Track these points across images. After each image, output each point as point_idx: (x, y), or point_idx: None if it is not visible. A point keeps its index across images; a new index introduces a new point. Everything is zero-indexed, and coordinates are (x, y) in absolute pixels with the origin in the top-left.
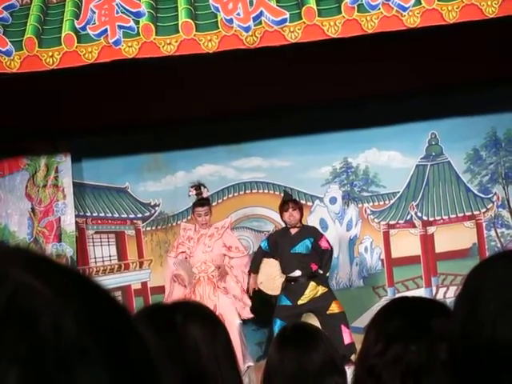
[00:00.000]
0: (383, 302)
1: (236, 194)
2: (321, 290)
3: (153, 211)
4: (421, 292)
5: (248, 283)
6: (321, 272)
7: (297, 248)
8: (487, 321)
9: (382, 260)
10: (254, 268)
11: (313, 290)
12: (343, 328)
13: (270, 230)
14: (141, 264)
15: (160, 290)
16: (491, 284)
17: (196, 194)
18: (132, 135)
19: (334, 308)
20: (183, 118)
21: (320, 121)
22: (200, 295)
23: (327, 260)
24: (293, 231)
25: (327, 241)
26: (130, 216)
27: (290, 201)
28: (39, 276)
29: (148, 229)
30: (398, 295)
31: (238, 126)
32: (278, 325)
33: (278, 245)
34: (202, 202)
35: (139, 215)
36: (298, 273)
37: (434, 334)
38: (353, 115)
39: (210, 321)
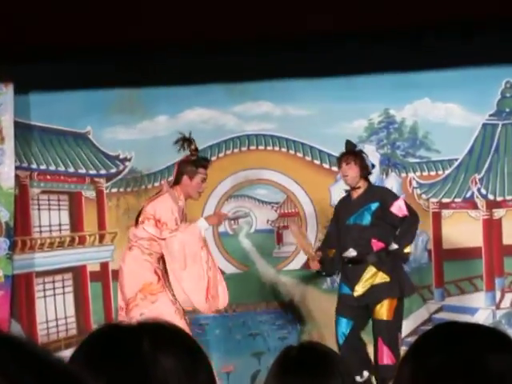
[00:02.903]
0: (428, 306)
1: (236, 151)
2: (379, 277)
3: (122, 167)
4: (480, 296)
5: None
6: (395, 247)
7: (353, 218)
8: None
9: (430, 251)
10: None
11: (370, 278)
12: (380, 343)
13: (280, 200)
14: (101, 238)
15: None
16: None
17: (191, 151)
18: (98, 63)
19: (381, 312)
20: (169, 44)
21: (354, 56)
22: None
23: (406, 231)
24: (355, 195)
25: (402, 206)
26: (91, 172)
27: (345, 153)
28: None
29: (114, 190)
30: (447, 299)
31: (242, 59)
32: (343, 325)
33: (338, 217)
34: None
35: (103, 172)
36: (352, 252)
37: (492, 375)
38: (399, 51)
39: (186, 349)
